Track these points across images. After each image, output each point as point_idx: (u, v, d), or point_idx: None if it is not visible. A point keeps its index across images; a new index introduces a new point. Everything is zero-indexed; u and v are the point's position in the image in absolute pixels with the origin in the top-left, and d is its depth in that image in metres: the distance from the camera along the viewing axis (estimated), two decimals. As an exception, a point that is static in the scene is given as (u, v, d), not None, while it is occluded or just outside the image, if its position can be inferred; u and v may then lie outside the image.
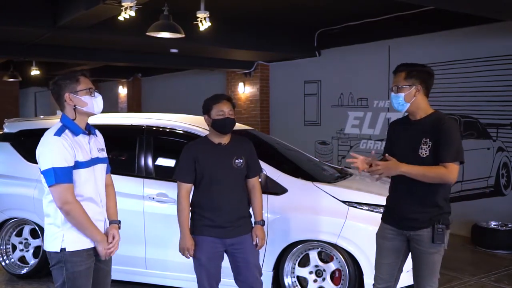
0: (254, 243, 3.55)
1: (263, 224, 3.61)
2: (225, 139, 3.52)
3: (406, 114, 3.25)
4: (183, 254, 3.46)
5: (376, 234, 3.33)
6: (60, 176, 2.64)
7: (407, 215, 3.13)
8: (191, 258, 3.49)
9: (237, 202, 3.52)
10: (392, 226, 3.22)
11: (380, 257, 3.28)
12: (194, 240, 3.44)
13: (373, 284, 3.34)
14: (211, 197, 3.44)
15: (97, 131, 3.02)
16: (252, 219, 3.61)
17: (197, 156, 3.44)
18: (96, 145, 2.91)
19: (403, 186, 3.11)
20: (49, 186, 2.67)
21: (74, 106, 2.78)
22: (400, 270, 3.29)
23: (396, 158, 3.04)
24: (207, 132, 3.59)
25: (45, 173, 2.68)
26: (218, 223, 3.43)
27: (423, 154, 3.04)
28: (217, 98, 3.50)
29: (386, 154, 3.05)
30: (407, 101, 3.09)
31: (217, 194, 3.44)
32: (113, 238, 2.88)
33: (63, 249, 2.72)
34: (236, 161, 3.50)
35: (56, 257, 2.73)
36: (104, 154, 2.98)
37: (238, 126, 4.59)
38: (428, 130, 3.07)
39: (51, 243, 2.75)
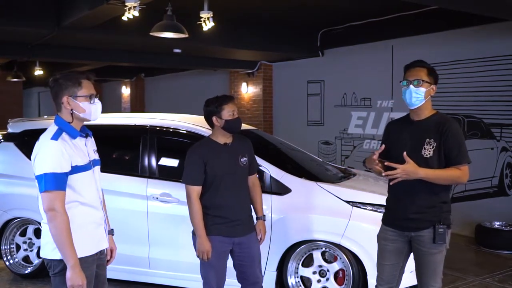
0: (259, 237, 3.62)
1: (265, 220, 3.72)
2: (230, 139, 3.53)
3: (406, 113, 3.23)
4: (202, 257, 3.41)
5: (377, 235, 3.32)
6: (51, 183, 2.52)
7: (407, 216, 3.10)
8: (196, 258, 3.48)
9: (244, 200, 3.58)
10: (393, 228, 3.20)
11: (381, 259, 3.27)
12: None
13: (375, 286, 3.33)
14: (222, 196, 3.44)
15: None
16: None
17: (207, 158, 3.42)
18: (91, 147, 2.84)
19: (402, 187, 3.05)
20: (40, 192, 2.56)
21: (71, 110, 2.66)
22: (402, 271, 3.28)
23: (393, 159, 3.00)
24: (211, 132, 3.57)
25: (37, 178, 2.57)
26: (228, 221, 3.44)
27: (426, 155, 3.02)
28: (226, 99, 3.49)
29: (404, 154, 2.94)
30: (426, 97, 3.06)
31: (227, 193, 3.45)
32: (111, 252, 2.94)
33: None
34: (242, 159, 3.54)
35: (61, 264, 2.60)
36: (97, 155, 2.88)
37: (242, 126, 4.59)
38: (432, 130, 3.05)
39: (54, 251, 2.60)
